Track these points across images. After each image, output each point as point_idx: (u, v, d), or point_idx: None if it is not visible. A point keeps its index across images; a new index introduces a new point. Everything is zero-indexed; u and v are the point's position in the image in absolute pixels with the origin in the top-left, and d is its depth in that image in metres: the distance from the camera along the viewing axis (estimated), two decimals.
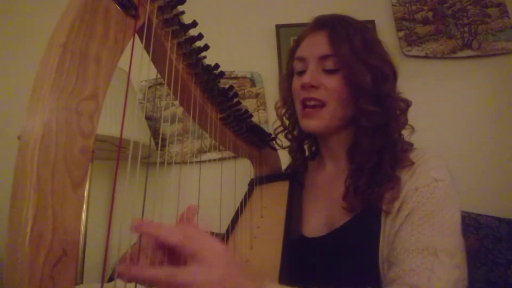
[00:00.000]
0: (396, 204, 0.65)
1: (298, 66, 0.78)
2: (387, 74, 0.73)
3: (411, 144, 0.74)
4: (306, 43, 0.77)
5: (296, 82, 0.78)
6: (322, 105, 0.73)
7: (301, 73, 0.76)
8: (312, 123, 0.74)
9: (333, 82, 0.72)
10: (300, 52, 0.78)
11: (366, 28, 0.79)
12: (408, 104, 0.75)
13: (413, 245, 0.60)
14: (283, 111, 0.88)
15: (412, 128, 0.76)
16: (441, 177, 0.66)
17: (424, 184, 0.65)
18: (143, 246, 0.45)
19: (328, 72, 0.73)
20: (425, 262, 0.57)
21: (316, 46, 0.74)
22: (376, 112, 0.71)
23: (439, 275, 0.56)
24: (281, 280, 0.57)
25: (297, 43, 0.81)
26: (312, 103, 0.74)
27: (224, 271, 0.41)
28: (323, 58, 0.73)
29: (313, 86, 0.72)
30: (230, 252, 0.44)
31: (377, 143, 0.71)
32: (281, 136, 0.90)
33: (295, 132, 0.88)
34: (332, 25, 0.74)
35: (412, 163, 0.68)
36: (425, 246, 0.59)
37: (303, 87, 0.73)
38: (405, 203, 0.65)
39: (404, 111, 0.75)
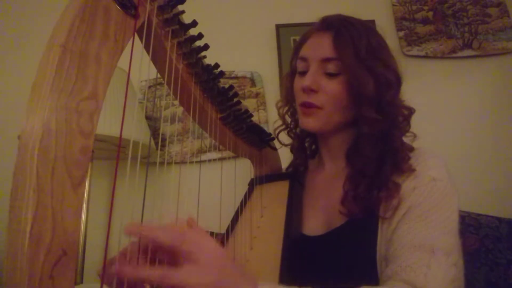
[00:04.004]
0: (394, 206, 0.65)
1: (300, 66, 0.77)
2: (390, 81, 0.71)
3: (411, 148, 0.73)
4: (310, 43, 0.77)
5: (298, 82, 0.77)
6: (319, 108, 0.73)
7: (303, 73, 0.76)
8: (309, 122, 0.74)
9: (333, 86, 0.71)
10: (303, 52, 0.77)
11: (372, 32, 0.77)
12: (411, 111, 0.74)
13: (409, 242, 0.60)
14: (285, 109, 0.87)
15: (414, 135, 0.75)
16: (439, 177, 0.66)
17: (422, 183, 0.65)
18: (143, 245, 0.44)
19: (330, 75, 0.72)
20: (422, 258, 0.57)
21: (320, 47, 0.74)
22: (379, 120, 0.70)
23: (436, 272, 0.56)
24: (281, 280, 0.57)
25: (302, 41, 0.80)
26: (310, 107, 0.73)
27: (219, 274, 0.41)
28: (326, 60, 0.72)
29: (312, 90, 0.72)
30: (226, 253, 0.43)
31: (378, 150, 0.70)
32: (281, 135, 0.90)
33: (297, 130, 0.88)
34: (338, 27, 0.73)
35: (413, 170, 0.67)
36: (421, 243, 0.59)
37: (304, 90, 0.73)
38: (402, 202, 0.65)
39: (407, 119, 0.74)
